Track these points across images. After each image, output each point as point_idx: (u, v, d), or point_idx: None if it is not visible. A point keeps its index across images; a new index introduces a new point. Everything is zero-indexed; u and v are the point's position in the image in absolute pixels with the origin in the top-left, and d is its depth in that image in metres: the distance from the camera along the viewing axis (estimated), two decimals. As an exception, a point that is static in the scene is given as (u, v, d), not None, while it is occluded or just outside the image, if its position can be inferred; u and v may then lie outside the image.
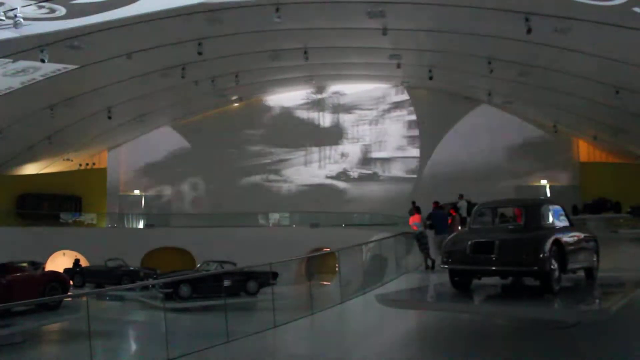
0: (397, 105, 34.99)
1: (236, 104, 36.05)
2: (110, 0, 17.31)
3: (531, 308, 7.52)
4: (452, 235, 9.35)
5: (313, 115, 36.01)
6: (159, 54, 23.66)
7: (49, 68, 22.47)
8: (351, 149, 35.69)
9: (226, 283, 16.36)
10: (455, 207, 18.95)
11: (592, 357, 7.24)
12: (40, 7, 16.68)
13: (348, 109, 35.68)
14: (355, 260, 14.51)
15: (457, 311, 8.89)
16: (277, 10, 18.25)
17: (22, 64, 21.46)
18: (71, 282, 17.38)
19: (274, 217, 34.74)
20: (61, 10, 17.20)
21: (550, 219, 8.54)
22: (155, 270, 24.76)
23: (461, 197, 21.90)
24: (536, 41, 20.28)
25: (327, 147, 35.96)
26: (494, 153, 33.40)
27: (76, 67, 23.04)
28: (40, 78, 23.43)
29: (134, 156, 37.05)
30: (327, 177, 35.81)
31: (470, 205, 19.91)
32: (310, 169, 36.00)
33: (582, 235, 9.04)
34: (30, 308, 12.22)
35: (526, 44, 20.77)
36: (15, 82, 23.37)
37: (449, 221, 16.40)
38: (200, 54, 22.25)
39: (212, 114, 36.02)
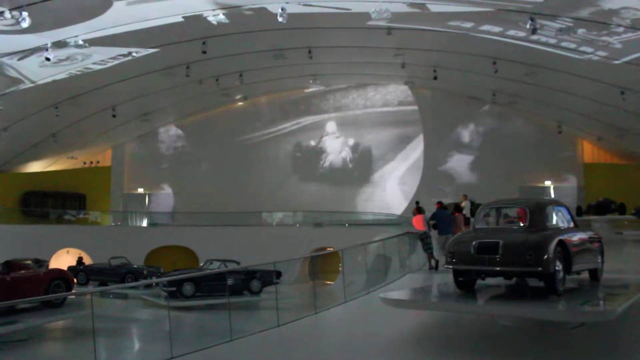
0: (401, 105, 34.92)
1: (240, 103, 36.09)
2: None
3: (535, 309, 7.52)
4: (456, 235, 9.35)
5: (317, 115, 35.98)
6: (164, 53, 23.70)
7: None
8: (355, 149, 35.66)
9: (229, 282, 16.36)
10: (458, 207, 18.95)
11: (596, 359, 7.22)
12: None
13: (352, 108, 35.63)
14: (358, 259, 14.50)
15: (461, 311, 8.88)
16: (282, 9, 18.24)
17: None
18: (75, 280, 17.42)
19: (278, 216, 34.73)
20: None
21: (555, 219, 8.53)
22: (159, 268, 24.80)
23: (465, 197, 21.93)
24: (541, 41, 20.24)
25: (331, 146, 35.93)
26: (498, 153, 33.30)
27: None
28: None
29: (138, 154, 37.18)
30: (331, 176, 35.77)
31: (474, 206, 19.93)
32: (314, 169, 35.98)
33: (586, 236, 9.03)
34: (34, 305, 12.27)
35: (531, 44, 20.72)
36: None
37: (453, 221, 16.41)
38: (204, 52, 22.28)
39: (216, 113, 36.06)
